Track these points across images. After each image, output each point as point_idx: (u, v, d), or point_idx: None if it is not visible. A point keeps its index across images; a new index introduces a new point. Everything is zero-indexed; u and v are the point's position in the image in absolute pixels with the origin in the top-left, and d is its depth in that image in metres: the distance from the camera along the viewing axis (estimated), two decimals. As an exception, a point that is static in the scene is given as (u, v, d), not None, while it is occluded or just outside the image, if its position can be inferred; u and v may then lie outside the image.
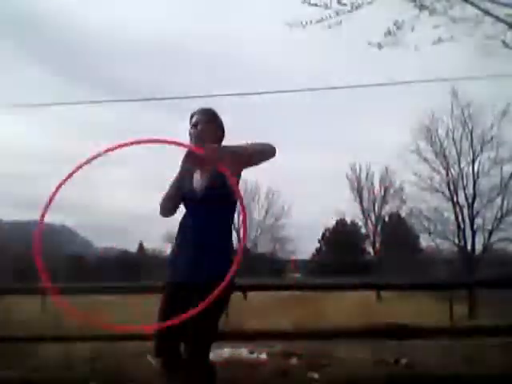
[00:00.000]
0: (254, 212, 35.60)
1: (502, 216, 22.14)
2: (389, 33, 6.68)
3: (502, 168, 22.31)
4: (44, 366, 4.12)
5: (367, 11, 6.61)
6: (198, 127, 2.61)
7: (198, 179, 2.58)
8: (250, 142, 2.56)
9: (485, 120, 22.40)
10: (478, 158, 22.81)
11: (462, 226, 22.58)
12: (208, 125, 2.62)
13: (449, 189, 23.07)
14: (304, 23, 6.89)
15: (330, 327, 4.96)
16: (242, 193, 2.49)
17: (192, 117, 2.68)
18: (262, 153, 2.55)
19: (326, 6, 6.54)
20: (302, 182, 39.34)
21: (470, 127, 22.78)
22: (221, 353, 4.48)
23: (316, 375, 4.06)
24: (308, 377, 4.05)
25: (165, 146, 2.47)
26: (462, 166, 23.07)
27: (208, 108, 2.72)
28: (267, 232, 35.62)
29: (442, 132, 23.37)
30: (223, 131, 2.69)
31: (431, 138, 23.48)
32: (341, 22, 6.61)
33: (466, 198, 22.73)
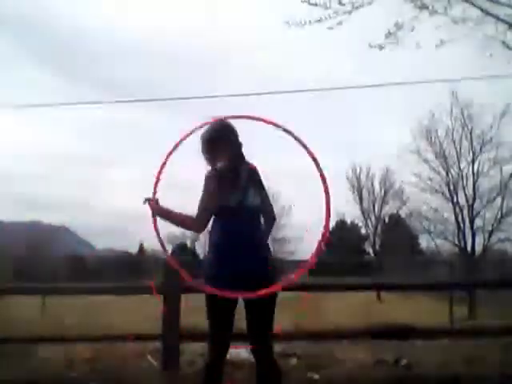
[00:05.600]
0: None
1: (501, 216, 22.14)
2: (389, 33, 6.69)
3: (501, 168, 22.34)
4: (44, 366, 4.11)
5: (367, 11, 6.62)
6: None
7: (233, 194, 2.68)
8: None
9: (485, 120, 22.42)
10: (478, 159, 22.84)
11: (461, 226, 22.58)
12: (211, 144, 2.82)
13: (449, 189, 23.07)
14: (303, 23, 6.89)
15: (330, 327, 4.95)
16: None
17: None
18: None
19: (326, 6, 6.54)
20: (302, 181, 39.31)
21: (470, 127, 22.79)
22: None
23: (316, 375, 4.05)
24: (308, 377, 4.04)
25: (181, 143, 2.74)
26: (461, 166, 23.09)
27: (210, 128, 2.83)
28: (267, 232, 35.54)
29: (441, 132, 23.39)
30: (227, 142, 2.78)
31: (431, 138, 23.49)
32: (341, 22, 6.62)
33: (466, 199, 22.73)
